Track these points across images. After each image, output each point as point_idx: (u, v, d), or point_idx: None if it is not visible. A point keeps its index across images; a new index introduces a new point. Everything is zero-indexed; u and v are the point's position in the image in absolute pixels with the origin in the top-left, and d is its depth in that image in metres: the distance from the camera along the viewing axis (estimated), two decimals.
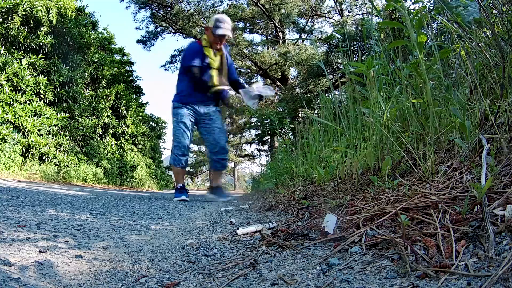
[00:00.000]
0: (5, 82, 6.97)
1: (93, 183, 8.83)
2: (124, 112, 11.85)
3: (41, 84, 7.73)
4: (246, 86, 3.95)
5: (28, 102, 7.49)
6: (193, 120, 3.76)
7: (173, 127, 3.81)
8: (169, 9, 15.26)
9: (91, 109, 9.82)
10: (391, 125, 1.58)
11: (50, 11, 7.64)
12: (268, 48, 16.39)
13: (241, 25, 16.17)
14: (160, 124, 15.90)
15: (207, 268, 0.92)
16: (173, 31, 16.44)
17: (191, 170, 34.64)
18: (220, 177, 4.07)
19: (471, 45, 1.39)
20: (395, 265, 0.72)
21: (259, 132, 12.24)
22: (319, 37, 14.58)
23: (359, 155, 1.82)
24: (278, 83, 15.68)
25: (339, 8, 14.95)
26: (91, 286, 0.75)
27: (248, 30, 16.81)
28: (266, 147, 15.96)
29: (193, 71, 3.64)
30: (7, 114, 6.81)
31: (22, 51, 7.57)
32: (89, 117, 9.62)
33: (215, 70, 3.71)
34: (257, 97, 3.71)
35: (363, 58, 7.13)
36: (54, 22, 7.70)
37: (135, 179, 12.23)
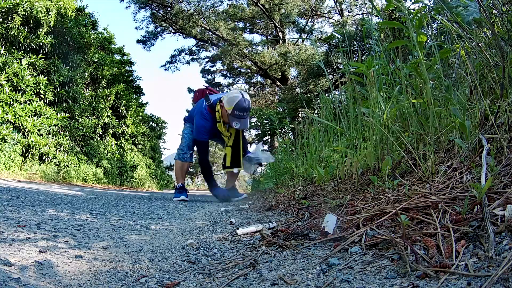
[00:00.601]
0: (5, 82, 6.97)
1: (93, 183, 8.83)
2: (124, 112, 11.85)
3: (41, 84, 7.73)
4: (249, 152, 3.89)
5: (28, 102, 7.49)
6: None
7: (184, 132, 3.83)
8: (169, 9, 15.27)
9: (91, 109, 9.82)
10: (391, 125, 1.58)
11: (50, 12, 7.64)
12: (268, 48, 16.39)
13: (241, 25, 16.17)
14: (160, 124, 15.90)
15: (207, 268, 0.92)
16: (173, 31, 16.44)
17: (191, 170, 34.63)
18: (235, 180, 4.05)
19: (471, 45, 1.39)
20: (395, 265, 0.72)
21: (259, 132, 12.24)
22: (319, 37, 14.59)
23: (359, 155, 1.82)
24: (278, 83, 15.68)
25: (339, 8, 14.95)
26: (91, 286, 0.75)
27: (248, 30, 16.82)
28: (266, 147, 15.97)
29: (202, 148, 3.60)
30: (7, 114, 6.81)
31: (22, 51, 7.57)
32: (89, 117, 9.62)
33: (229, 149, 3.63)
34: (257, 164, 3.78)
35: (363, 58, 7.13)
36: (52, 23, 7.70)
37: (135, 179, 12.23)
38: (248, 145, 4.05)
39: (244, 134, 3.96)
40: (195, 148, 3.79)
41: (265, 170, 6.82)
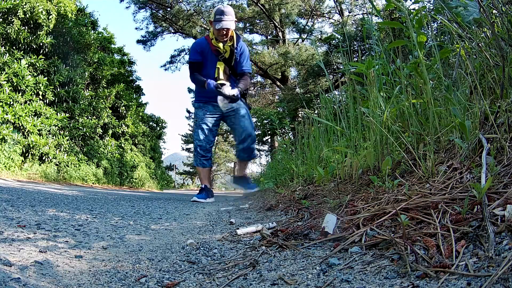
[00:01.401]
0: (5, 82, 6.97)
1: (93, 183, 8.84)
2: (124, 112, 11.85)
3: (41, 84, 7.73)
4: (240, 84, 3.61)
5: (28, 102, 7.49)
6: (215, 118, 3.63)
7: (194, 129, 3.76)
8: (169, 9, 15.27)
9: (91, 109, 9.82)
10: (391, 125, 1.58)
11: (51, 15, 7.64)
12: (268, 48, 16.40)
13: (241, 25, 16.17)
14: (160, 124, 15.91)
15: (207, 268, 0.92)
16: (173, 31, 16.45)
17: (191, 170, 34.64)
18: (246, 167, 3.92)
19: (471, 45, 1.39)
20: (395, 265, 0.72)
21: (259, 132, 12.24)
22: (319, 37, 14.59)
23: (359, 155, 1.82)
24: (278, 83, 15.68)
25: (339, 8, 14.95)
26: (91, 286, 0.75)
27: (248, 30, 16.82)
28: (266, 147, 15.97)
29: (191, 67, 3.55)
30: (7, 114, 6.81)
31: (22, 51, 7.57)
32: (89, 117, 9.62)
33: (222, 63, 3.54)
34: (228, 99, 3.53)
35: (363, 58, 7.14)
36: (51, 26, 7.70)
37: (135, 179, 12.23)
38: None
39: (245, 57, 3.67)
40: (208, 147, 3.63)
41: (265, 170, 6.82)
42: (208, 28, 15.18)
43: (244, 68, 3.64)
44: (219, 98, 3.43)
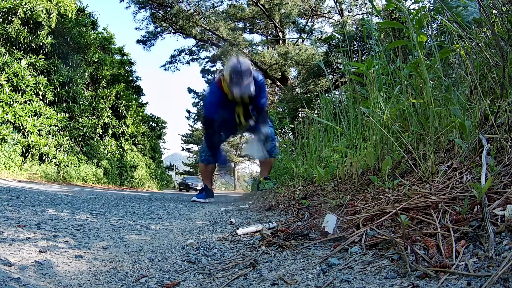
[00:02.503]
0: (5, 82, 6.97)
1: (93, 183, 8.83)
2: (124, 112, 11.86)
3: (41, 84, 7.73)
4: (261, 129, 3.38)
5: (28, 102, 7.50)
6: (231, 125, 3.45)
7: (204, 134, 3.70)
8: (169, 9, 15.27)
9: (91, 109, 9.82)
10: (391, 125, 1.58)
11: (51, 14, 7.64)
12: (268, 48, 16.40)
13: (241, 25, 16.18)
14: (160, 124, 15.92)
15: (207, 268, 0.92)
16: (173, 31, 16.45)
17: (191, 170, 34.65)
18: (268, 169, 3.67)
19: (471, 45, 1.39)
20: (395, 265, 0.72)
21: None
22: (319, 37, 14.59)
23: (359, 155, 1.82)
24: (278, 83, 15.68)
25: (339, 8, 14.95)
26: (91, 286, 0.75)
27: (248, 30, 16.83)
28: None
29: (207, 123, 3.35)
30: (7, 114, 6.81)
31: (22, 51, 7.57)
32: (89, 117, 9.62)
33: (241, 108, 3.29)
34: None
35: (363, 58, 7.14)
36: (53, 25, 7.70)
37: (135, 179, 12.23)
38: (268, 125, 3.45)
39: (262, 100, 3.39)
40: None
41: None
42: (208, 28, 15.19)
43: (259, 105, 3.36)
44: (252, 145, 3.38)
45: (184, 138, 32.11)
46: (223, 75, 3.15)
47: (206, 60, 18.18)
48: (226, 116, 3.32)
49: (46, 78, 7.90)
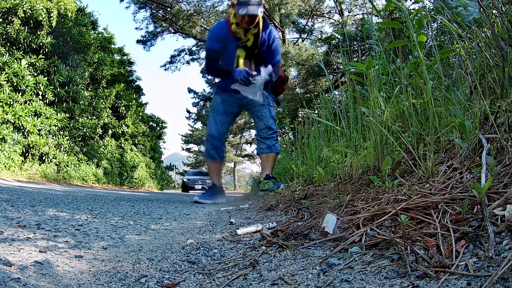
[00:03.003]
0: (5, 82, 6.97)
1: (93, 183, 8.83)
2: (124, 112, 11.86)
3: (41, 84, 7.73)
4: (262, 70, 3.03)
5: (28, 102, 7.50)
6: (234, 106, 3.23)
7: (208, 115, 3.37)
8: (169, 9, 15.27)
9: (91, 109, 9.82)
10: (391, 125, 1.58)
11: (52, 14, 7.64)
12: None
13: None
14: (160, 124, 15.92)
15: (207, 268, 0.92)
16: (173, 31, 16.45)
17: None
18: (270, 165, 3.30)
19: (471, 45, 1.39)
20: (395, 265, 0.72)
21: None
22: (319, 37, 14.59)
23: (359, 155, 1.82)
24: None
25: (339, 8, 14.95)
26: (91, 286, 0.75)
27: None
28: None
29: (208, 56, 3.12)
30: (7, 114, 6.81)
31: (22, 51, 7.57)
32: (89, 117, 9.63)
33: (242, 51, 3.07)
34: (259, 87, 2.96)
35: (363, 58, 7.14)
36: (54, 24, 7.70)
37: (135, 179, 12.23)
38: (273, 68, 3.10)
39: (276, 49, 3.15)
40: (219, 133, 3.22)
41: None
42: (208, 28, 15.18)
43: (276, 60, 3.15)
44: (248, 90, 2.97)
45: (184, 138, 32.11)
46: (232, 2, 3.05)
47: None
48: (227, 54, 3.08)
49: (46, 78, 7.90)
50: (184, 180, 17.30)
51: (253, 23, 2.95)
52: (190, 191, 15.60)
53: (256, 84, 2.96)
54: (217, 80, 3.39)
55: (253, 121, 3.44)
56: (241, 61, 3.08)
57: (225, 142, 3.37)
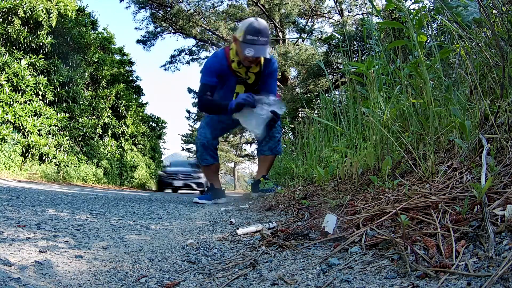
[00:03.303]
0: (5, 82, 6.97)
1: (93, 183, 8.84)
2: (124, 112, 11.85)
3: (41, 84, 7.73)
4: (269, 100, 2.75)
5: (28, 102, 7.50)
6: (230, 119, 2.98)
7: (201, 122, 3.22)
8: (169, 9, 15.27)
9: (91, 109, 9.82)
10: (391, 125, 1.58)
11: (51, 14, 7.64)
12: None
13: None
14: (160, 124, 15.91)
15: (207, 268, 0.92)
16: (173, 31, 16.45)
17: None
18: (267, 167, 3.19)
19: (471, 45, 1.39)
20: (395, 265, 0.72)
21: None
22: (319, 37, 14.59)
23: (359, 155, 1.82)
24: (278, 83, 15.69)
25: (339, 8, 14.95)
26: (91, 286, 0.75)
27: None
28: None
29: (202, 90, 2.84)
30: (7, 114, 6.81)
31: (22, 51, 7.57)
32: (89, 117, 9.63)
33: (242, 87, 2.91)
34: (265, 118, 2.67)
35: (363, 58, 7.14)
36: (53, 24, 7.70)
37: (135, 179, 12.22)
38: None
39: (274, 83, 2.93)
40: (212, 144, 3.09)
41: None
42: (208, 28, 15.18)
43: (272, 92, 2.92)
44: (252, 115, 2.67)
45: (184, 138, 32.09)
46: (234, 37, 2.79)
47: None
48: (224, 91, 2.87)
49: (46, 78, 7.90)
50: (160, 173, 12.76)
51: (257, 62, 2.78)
52: (166, 190, 11.69)
53: (262, 115, 2.65)
54: None
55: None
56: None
57: (217, 146, 3.26)
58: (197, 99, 2.98)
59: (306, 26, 15.68)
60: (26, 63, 7.47)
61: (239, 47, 2.71)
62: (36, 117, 7.61)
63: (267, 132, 2.93)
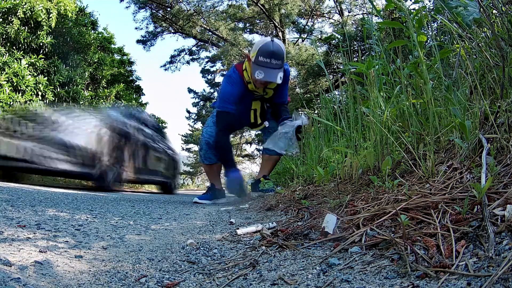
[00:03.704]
0: (5, 82, 6.97)
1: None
2: None
3: (41, 84, 7.73)
4: (290, 120, 2.82)
5: (28, 102, 7.49)
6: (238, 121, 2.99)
7: (208, 122, 3.17)
8: (169, 9, 15.27)
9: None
10: (391, 125, 1.58)
11: (51, 14, 7.64)
12: None
13: (241, 25, 16.17)
14: (160, 124, 15.89)
15: (207, 268, 0.92)
16: (173, 31, 16.45)
17: (191, 170, 34.62)
18: (269, 167, 3.19)
19: (471, 45, 1.39)
20: (395, 265, 0.72)
21: (259, 132, 12.19)
22: (319, 37, 14.59)
23: (359, 155, 1.82)
24: None
25: (339, 8, 14.95)
26: (91, 286, 0.75)
27: (248, 30, 16.81)
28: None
29: (226, 121, 2.81)
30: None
31: (22, 51, 7.57)
32: None
33: (258, 103, 2.91)
34: (293, 134, 2.74)
35: (363, 58, 7.14)
36: (53, 24, 7.70)
37: None
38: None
39: (285, 89, 2.90)
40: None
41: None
42: (208, 28, 15.19)
43: (284, 99, 2.91)
44: (277, 137, 2.71)
45: (184, 138, 32.06)
46: (247, 55, 2.72)
47: (206, 60, 18.17)
48: (241, 110, 2.86)
49: (46, 78, 7.89)
50: None
51: (267, 84, 2.71)
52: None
53: (288, 134, 2.72)
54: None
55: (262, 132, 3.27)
56: (258, 114, 2.91)
57: None
58: (216, 133, 2.87)
59: (306, 26, 15.67)
60: (26, 63, 7.47)
61: (250, 68, 2.65)
62: None
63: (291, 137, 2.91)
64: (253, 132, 13.65)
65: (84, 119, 4.30)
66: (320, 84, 12.05)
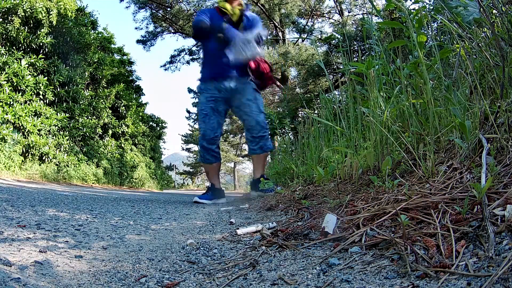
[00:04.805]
0: (5, 82, 6.97)
1: (93, 183, 8.83)
2: (124, 112, 11.85)
3: (41, 84, 7.73)
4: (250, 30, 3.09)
5: (28, 102, 7.49)
6: (220, 104, 3.15)
7: (198, 118, 3.33)
8: (169, 9, 15.27)
9: (91, 109, 9.82)
10: (391, 125, 1.58)
11: (51, 12, 7.64)
12: (268, 48, 16.39)
13: None
14: (160, 124, 15.90)
15: (207, 268, 0.92)
16: (173, 31, 16.45)
17: (191, 170, 34.64)
18: (261, 165, 3.27)
19: (471, 45, 1.39)
20: (395, 265, 0.72)
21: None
22: (319, 37, 14.59)
23: (359, 155, 1.82)
24: (278, 83, 15.68)
25: (339, 8, 14.95)
26: (91, 286, 0.75)
27: None
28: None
29: (201, 27, 3.02)
30: (7, 114, 6.81)
31: (22, 51, 7.57)
32: (89, 117, 9.62)
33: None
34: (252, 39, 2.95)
35: (363, 58, 7.14)
36: (54, 23, 7.70)
37: (135, 179, 12.23)
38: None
39: (255, 26, 3.17)
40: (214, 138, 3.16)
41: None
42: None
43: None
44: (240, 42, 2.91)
45: (184, 138, 32.10)
46: None
47: None
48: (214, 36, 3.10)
49: (46, 78, 7.89)
50: None
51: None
52: None
53: (248, 39, 2.95)
54: (201, 73, 3.27)
55: (241, 120, 3.35)
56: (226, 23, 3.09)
57: (219, 144, 3.31)
58: (192, 28, 3.32)
59: (306, 26, 15.67)
60: (26, 63, 7.47)
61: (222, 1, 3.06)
62: (36, 117, 7.61)
63: (253, 119, 3.12)
64: None
65: None
66: (320, 84, 12.05)
